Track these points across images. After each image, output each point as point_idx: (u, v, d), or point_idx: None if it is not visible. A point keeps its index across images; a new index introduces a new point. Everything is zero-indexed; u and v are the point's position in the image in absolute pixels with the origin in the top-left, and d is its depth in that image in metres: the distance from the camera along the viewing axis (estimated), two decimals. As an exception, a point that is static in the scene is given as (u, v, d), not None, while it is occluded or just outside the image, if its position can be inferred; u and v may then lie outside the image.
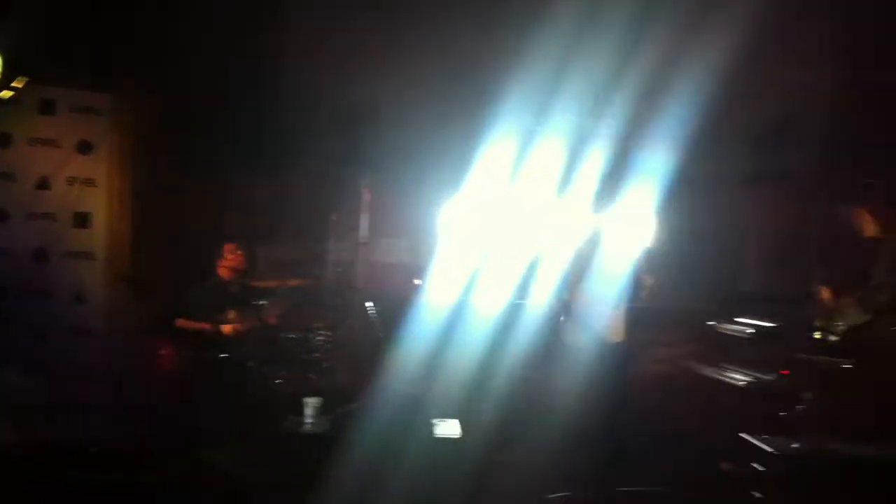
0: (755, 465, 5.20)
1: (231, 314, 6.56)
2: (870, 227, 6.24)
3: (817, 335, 6.12)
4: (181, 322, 6.55)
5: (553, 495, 5.51)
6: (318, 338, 6.43)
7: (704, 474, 5.90)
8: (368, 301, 6.61)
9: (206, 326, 6.51)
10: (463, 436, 5.61)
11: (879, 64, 7.29)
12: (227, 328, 6.53)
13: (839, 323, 6.09)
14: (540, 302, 6.48)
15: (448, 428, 5.68)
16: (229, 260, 6.82)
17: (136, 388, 6.26)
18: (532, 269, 6.76)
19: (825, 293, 6.24)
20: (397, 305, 6.55)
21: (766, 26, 7.23)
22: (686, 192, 7.53)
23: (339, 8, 7.63)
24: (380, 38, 7.55)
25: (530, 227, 7.15)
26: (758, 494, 5.08)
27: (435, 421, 5.73)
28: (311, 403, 5.53)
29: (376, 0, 7.65)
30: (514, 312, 6.65)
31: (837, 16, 7.63)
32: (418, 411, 5.67)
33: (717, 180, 7.78)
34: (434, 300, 6.67)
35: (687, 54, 7.16)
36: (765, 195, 7.89)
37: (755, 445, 5.26)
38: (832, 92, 7.72)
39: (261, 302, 6.60)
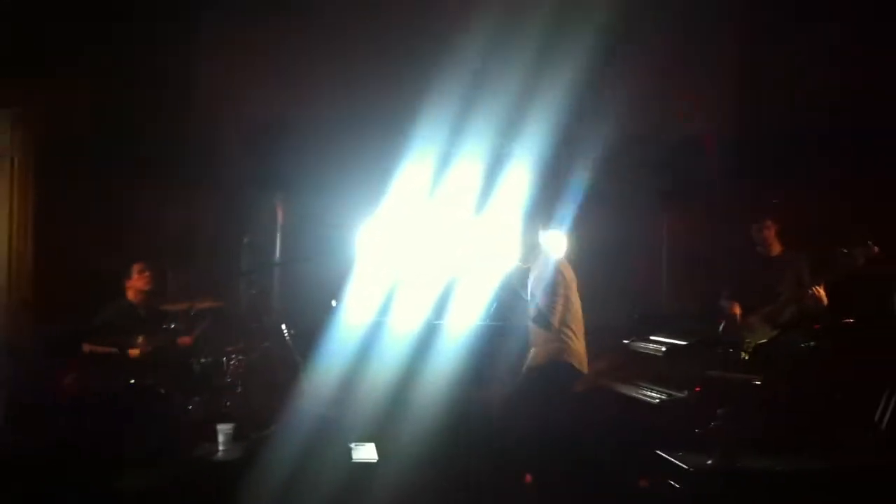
0: (671, 481, 5.26)
1: (139, 338, 6.36)
2: (776, 245, 6.42)
3: (729, 351, 6.26)
4: (87, 346, 6.34)
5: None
6: (232, 362, 6.27)
7: (621, 492, 5.96)
8: (284, 323, 6.49)
9: (114, 351, 6.30)
10: (380, 460, 5.54)
11: (784, 85, 7.51)
12: (134, 352, 6.32)
13: (748, 339, 6.24)
14: (460, 322, 6.46)
15: (365, 452, 5.61)
16: (137, 281, 6.64)
17: (38, 415, 6.01)
18: (450, 288, 6.75)
19: (733, 310, 6.38)
20: (314, 327, 6.45)
21: (676, 49, 7.41)
22: (600, 210, 7.63)
23: (253, 26, 7.53)
24: (294, 56, 7.46)
25: (447, 247, 7.15)
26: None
27: (352, 445, 5.65)
28: (223, 430, 5.40)
29: (291, 19, 7.56)
30: (432, 333, 6.62)
31: (744, 38, 7.85)
32: (335, 435, 5.58)
33: (629, 199, 7.90)
34: (351, 321, 6.59)
35: (598, 76, 7.29)
36: (676, 214, 8.04)
37: (670, 462, 5.31)
38: (741, 112, 7.93)
39: (171, 325, 6.41)
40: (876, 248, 5.98)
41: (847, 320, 6.40)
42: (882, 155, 6.92)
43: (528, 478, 6.09)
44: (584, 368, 5.80)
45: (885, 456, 5.62)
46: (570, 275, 5.87)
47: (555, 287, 5.71)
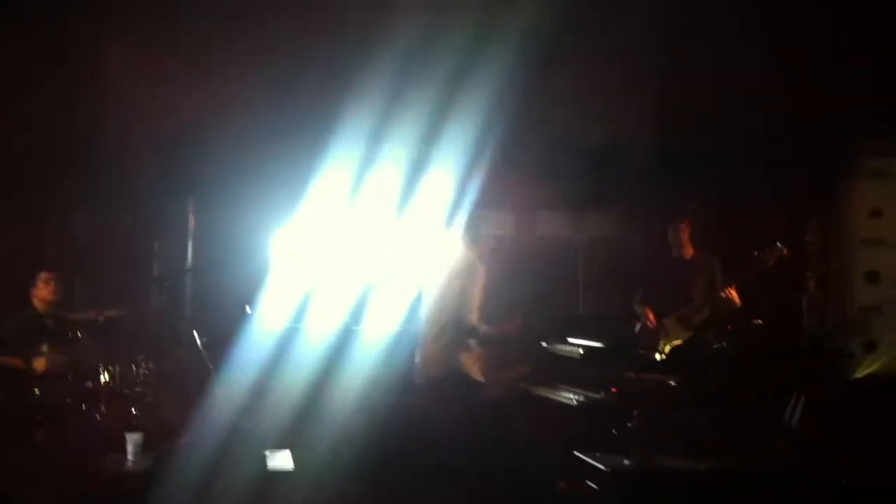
0: (589, 482, 5.27)
1: (45, 348, 6.14)
2: (689, 248, 6.52)
3: (644, 353, 6.33)
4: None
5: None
6: (142, 370, 6.10)
7: (540, 493, 5.97)
8: (196, 330, 6.35)
9: (17, 362, 6.09)
10: (296, 467, 5.44)
11: (698, 92, 7.65)
12: (40, 364, 6.12)
13: (663, 341, 6.31)
14: (378, 328, 6.40)
15: (281, 460, 5.49)
16: (43, 290, 6.42)
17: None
18: (367, 295, 6.69)
19: (647, 313, 6.46)
20: (227, 334, 6.33)
21: (596, 58, 7.50)
22: (517, 215, 7.68)
23: (163, 30, 7.37)
24: (206, 61, 7.31)
25: (364, 253, 7.10)
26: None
27: (267, 453, 5.53)
28: (132, 440, 5.22)
29: (202, 22, 7.41)
30: (348, 339, 6.55)
31: (662, 49, 8.00)
32: (249, 444, 5.46)
33: (548, 203, 7.96)
34: (265, 328, 6.49)
35: (519, 83, 7.32)
36: (593, 216, 8.12)
37: (589, 463, 5.33)
38: (656, 119, 8.06)
39: (78, 335, 6.21)
40: (785, 250, 6.13)
41: (756, 321, 6.54)
42: (793, 162, 7.09)
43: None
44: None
45: (796, 454, 5.74)
46: (485, 279, 5.83)
47: (475, 292, 5.67)
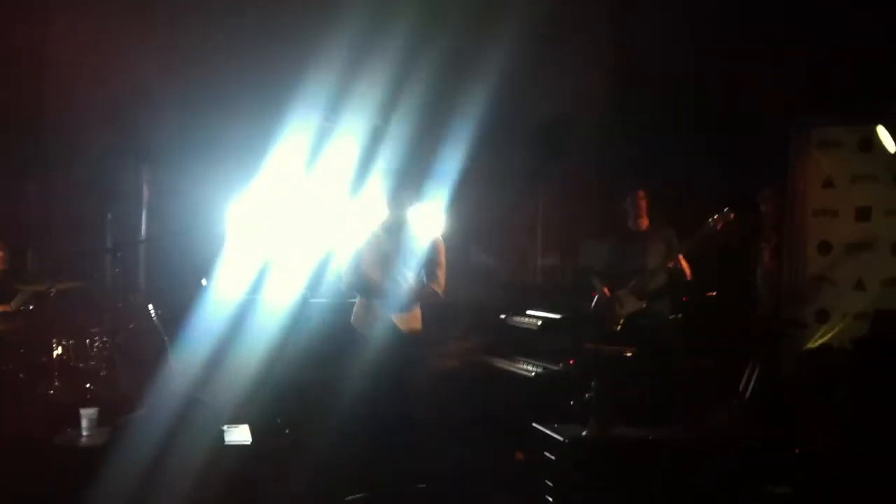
0: (547, 453, 5.31)
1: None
2: (645, 218, 6.55)
3: (601, 324, 6.37)
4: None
5: (352, 497, 5.41)
6: (96, 343, 6.00)
7: (497, 464, 6.01)
8: (151, 303, 6.25)
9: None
10: (254, 441, 5.41)
11: (649, 65, 7.68)
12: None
13: (619, 312, 6.36)
14: (330, 297, 6.36)
15: (239, 434, 5.46)
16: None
17: None
18: (323, 264, 6.65)
19: (603, 284, 6.50)
20: (182, 306, 6.24)
21: (547, 36, 7.48)
22: (474, 188, 7.66)
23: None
24: (160, 25, 7.16)
25: (320, 222, 7.04)
26: (549, 483, 5.18)
27: (225, 427, 5.49)
28: (87, 415, 5.14)
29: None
30: (304, 309, 6.51)
31: (614, 21, 8.02)
32: (206, 418, 5.40)
33: (503, 177, 7.96)
34: (222, 299, 6.42)
35: (473, 59, 7.29)
36: (548, 190, 8.14)
37: (546, 434, 5.36)
38: (607, 93, 8.09)
39: (29, 307, 6.09)
40: (732, 215, 6.19)
41: (710, 293, 6.61)
42: (745, 133, 7.14)
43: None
44: None
45: (750, 425, 5.84)
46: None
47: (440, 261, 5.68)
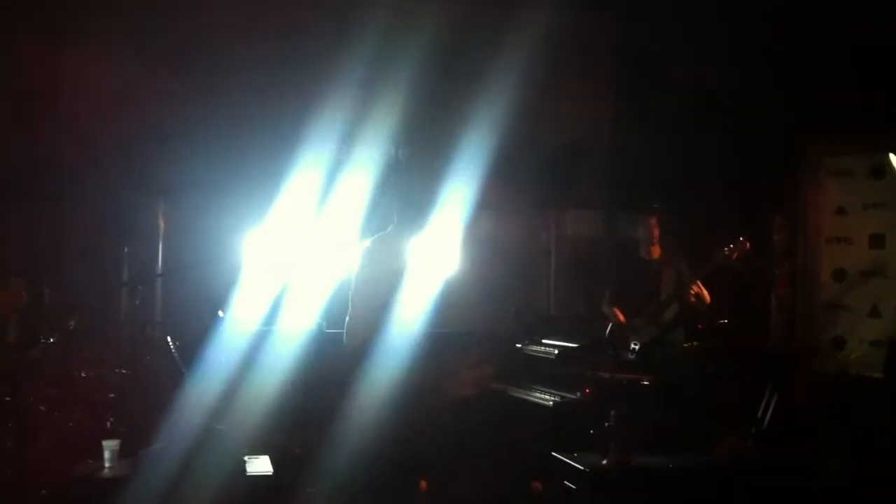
0: (567, 482, 5.31)
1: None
2: (658, 246, 6.58)
3: (617, 353, 6.38)
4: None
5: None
6: (114, 376, 6.02)
7: (516, 494, 6.01)
8: (168, 335, 6.28)
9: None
10: (275, 472, 5.41)
11: (655, 94, 7.74)
12: (9, 369, 5.99)
13: (634, 340, 6.37)
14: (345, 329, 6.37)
15: (259, 465, 5.46)
16: (9, 296, 6.30)
17: None
18: (336, 296, 6.67)
19: (617, 313, 6.52)
20: (200, 338, 6.27)
21: (556, 67, 7.56)
22: (488, 217, 7.71)
23: (127, 29, 7.27)
24: (174, 59, 7.23)
25: (335, 253, 7.08)
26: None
27: (245, 458, 5.50)
28: (109, 447, 5.16)
29: (168, 17, 7.34)
30: (320, 341, 6.53)
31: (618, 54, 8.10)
32: (227, 449, 5.41)
33: (517, 206, 8.01)
34: (239, 331, 6.44)
35: (486, 88, 7.36)
36: (561, 219, 8.18)
37: (567, 463, 5.37)
38: (618, 120, 8.15)
39: (49, 340, 6.11)
40: (748, 244, 6.23)
41: (724, 321, 6.62)
42: (756, 162, 7.18)
43: (424, 484, 6.08)
44: None
45: (768, 451, 5.84)
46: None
47: None
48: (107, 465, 5.10)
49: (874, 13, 6.43)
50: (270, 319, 6.75)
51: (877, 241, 6.81)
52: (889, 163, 6.58)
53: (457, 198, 7.40)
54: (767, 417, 6.10)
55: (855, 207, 6.92)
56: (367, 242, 5.84)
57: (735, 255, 6.27)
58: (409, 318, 5.82)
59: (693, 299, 6.28)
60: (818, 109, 6.92)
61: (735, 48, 7.16)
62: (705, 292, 6.29)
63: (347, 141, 7.53)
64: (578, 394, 6.21)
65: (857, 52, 6.57)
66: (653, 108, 7.73)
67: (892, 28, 6.41)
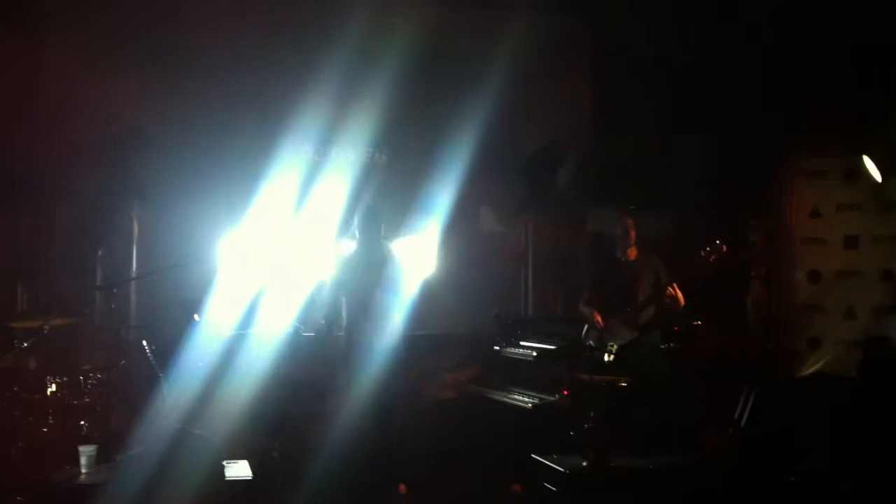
0: (547, 484, 5.32)
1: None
2: (634, 248, 6.60)
3: (593, 354, 6.39)
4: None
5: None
6: (90, 380, 5.95)
7: (495, 496, 6.02)
8: (144, 339, 6.23)
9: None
10: (255, 476, 5.38)
11: (632, 97, 7.77)
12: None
13: (610, 342, 6.39)
14: (321, 330, 6.36)
15: (238, 469, 5.43)
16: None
17: None
18: (313, 298, 6.65)
19: (593, 314, 6.53)
20: (176, 342, 6.22)
21: (534, 69, 7.58)
22: (465, 219, 7.71)
23: (105, 31, 7.21)
24: (150, 61, 7.17)
25: (311, 256, 7.06)
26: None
27: (224, 462, 5.47)
28: (86, 452, 5.12)
29: (144, 21, 7.28)
30: (297, 342, 6.50)
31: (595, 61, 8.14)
32: (205, 453, 5.38)
33: (494, 208, 8.02)
34: (215, 334, 6.40)
35: (464, 91, 7.37)
36: (538, 222, 8.19)
37: (546, 465, 5.38)
38: (595, 124, 8.18)
39: (23, 344, 6.02)
40: (725, 247, 6.26)
41: (698, 322, 6.66)
42: (730, 165, 7.23)
43: (403, 488, 6.08)
44: None
45: (746, 451, 5.88)
46: None
47: None
48: (83, 470, 5.07)
49: (850, 17, 6.49)
50: (247, 322, 6.71)
51: (851, 242, 6.88)
52: (863, 165, 6.63)
53: (434, 200, 7.42)
54: (745, 418, 6.14)
55: (829, 209, 6.98)
56: (345, 246, 5.83)
57: (711, 258, 6.31)
58: (388, 321, 5.85)
59: (668, 300, 6.31)
60: (793, 112, 6.97)
61: (712, 51, 7.21)
62: (680, 294, 6.31)
63: (325, 143, 7.51)
64: (557, 395, 6.22)
65: (833, 56, 6.63)
66: (630, 110, 7.75)
67: (866, 32, 6.48)
